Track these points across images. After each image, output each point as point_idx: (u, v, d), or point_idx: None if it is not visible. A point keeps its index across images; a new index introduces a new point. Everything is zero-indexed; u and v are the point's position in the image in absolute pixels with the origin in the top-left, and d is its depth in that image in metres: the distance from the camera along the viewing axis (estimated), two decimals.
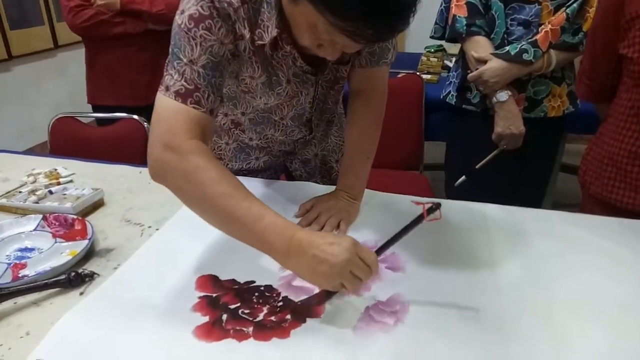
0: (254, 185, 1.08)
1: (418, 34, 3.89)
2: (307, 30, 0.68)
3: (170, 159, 0.68)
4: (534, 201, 1.53)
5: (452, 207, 0.99)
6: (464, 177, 1.48)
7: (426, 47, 2.48)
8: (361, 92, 0.92)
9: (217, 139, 1.09)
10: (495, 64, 1.32)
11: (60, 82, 3.12)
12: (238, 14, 0.74)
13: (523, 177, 1.53)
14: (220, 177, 0.67)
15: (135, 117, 1.56)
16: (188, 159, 0.67)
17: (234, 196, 0.66)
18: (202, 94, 0.71)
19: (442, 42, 2.20)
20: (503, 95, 1.36)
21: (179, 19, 0.72)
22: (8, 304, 0.70)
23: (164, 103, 0.72)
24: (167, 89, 0.71)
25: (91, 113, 1.93)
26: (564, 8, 1.29)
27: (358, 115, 0.94)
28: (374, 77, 0.90)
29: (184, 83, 0.71)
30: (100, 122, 1.85)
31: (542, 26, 1.31)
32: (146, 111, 1.55)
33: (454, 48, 2.55)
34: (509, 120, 1.37)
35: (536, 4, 1.30)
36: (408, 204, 1.01)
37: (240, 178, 0.70)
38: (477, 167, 1.45)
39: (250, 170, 1.13)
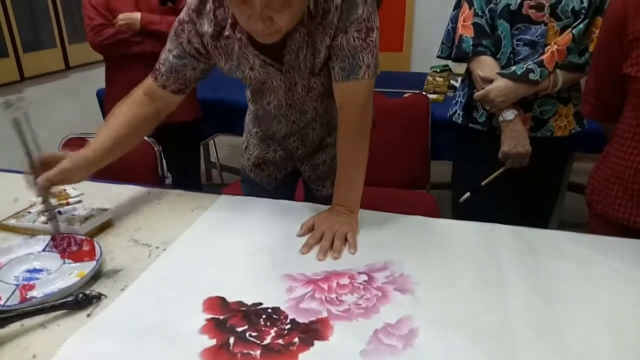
0: (254, 204, 1.10)
1: (423, 54, 3.94)
2: (233, 4, 0.82)
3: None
4: (540, 220, 1.52)
5: (460, 228, 0.99)
6: (468, 193, 1.47)
7: (432, 67, 2.49)
8: (341, 105, 0.99)
9: (251, 127, 1.26)
10: (501, 83, 1.33)
11: (72, 103, 3.15)
12: (208, 17, 0.93)
13: (530, 197, 1.52)
14: (119, 112, 1.01)
15: (146, 138, 1.57)
16: (128, 97, 1.04)
17: (106, 123, 1.01)
18: (159, 72, 1.01)
19: (448, 62, 2.22)
20: (509, 114, 1.36)
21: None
22: (15, 326, 0.69)
23: None
24: None
25: None
26: (570, 29, 1.30)
27: (341, 127, 1.01)
28: (349, 90, 0.97)
29: (159, 63, 1.01)
30: None
31: (549, 46, 1.32)
32: (159, 131, 1.56)
33: (459, 68, 2.55)
34: (515, 140, 1.37)
35: (542, 25, 1.31)
36: (416, 224, 1.01)
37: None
38: (482, 184, 1.44)
39: (266, 160, 1.25)
